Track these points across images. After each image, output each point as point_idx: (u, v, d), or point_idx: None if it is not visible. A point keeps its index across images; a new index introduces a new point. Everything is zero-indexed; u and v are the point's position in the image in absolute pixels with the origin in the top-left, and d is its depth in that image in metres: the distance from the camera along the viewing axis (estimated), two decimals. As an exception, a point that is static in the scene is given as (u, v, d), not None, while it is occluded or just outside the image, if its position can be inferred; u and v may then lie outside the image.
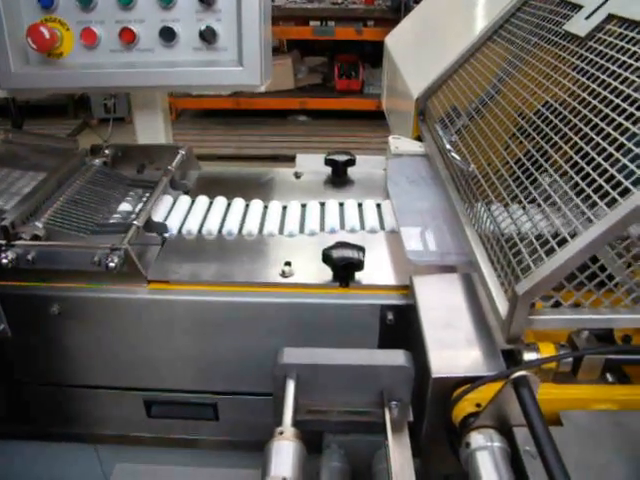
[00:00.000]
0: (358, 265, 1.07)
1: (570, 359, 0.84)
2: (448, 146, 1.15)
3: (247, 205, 1.34)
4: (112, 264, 1.05)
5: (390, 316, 1.05)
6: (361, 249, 1.07)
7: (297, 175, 1.49)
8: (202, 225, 1.26)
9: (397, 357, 0.88)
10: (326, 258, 1.07)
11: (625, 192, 0.77)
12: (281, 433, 0.78)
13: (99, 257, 1.07)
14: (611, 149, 0.84)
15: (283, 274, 1.10)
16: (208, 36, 1.34)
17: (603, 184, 0.82)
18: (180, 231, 1.25)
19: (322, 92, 5.35)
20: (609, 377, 0.93)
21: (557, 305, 0.82)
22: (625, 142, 0.83)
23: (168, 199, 1.35)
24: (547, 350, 0.84)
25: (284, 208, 1.33)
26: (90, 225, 1.19)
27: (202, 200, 1.35)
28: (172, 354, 1.15)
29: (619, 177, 0.80)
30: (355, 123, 5.03)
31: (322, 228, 1.25)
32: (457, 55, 1.54)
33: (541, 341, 0.87)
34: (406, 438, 0.87)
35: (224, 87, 1.42)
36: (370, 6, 5.13)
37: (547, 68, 1.15)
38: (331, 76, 5.43)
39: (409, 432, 0.93)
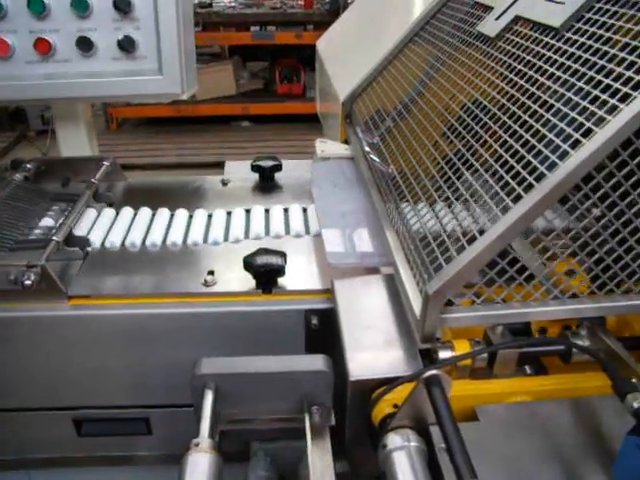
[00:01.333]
0: (279, 271, 1.07)
1: (485, 354, 0.85)
2: (367, 148, 1.16)
3: (172, 215, 1.32)
4: (28, 282, 1.02)
5: (315, 320, 1.05)
6: (282, 255, 1.07)
7: (224, 182, 1.47)
8: (125, 237, 1.24)
9: (316, 362, 0.88)
10: (247, 265, 1.06)
11: (528, 188, 0.79)
12: (197, 445, 0.77)
13: (15, 275, 1.04)
14: (517, 146, 0.86)
15: (206, 283, 1.09)
16: (127, 45, 1.32)
17: (510, 181, 0.83)
18: (103, 244, 1.23)
19: (264, 97, 5.34)
20: (527, 369, 0.95)
21: (478, 300, 0.83)
22: (529, 139, 0.85)
23: (91, 212, 1.33)
24: (462, 347, 0.85)
25: (209, 216, 1.31)
26: (8, 242, 1.16)
27: (126, 212, 1.33)
28: (99, 370, 1.13)
29: (524, 173, 0.82)
30: (298, 127, 5.03)
31: (247, 235, 1.24)
32: (381, 58, 1.55)
33: (461, 338, 0.89)
34: (327, 442, 0.87)
35: (145, 97, 1.40)
36: (309, 10, 5.14)
37: (463, 69, 1.17)
38: (273, 81, 5.43)
39: (335, 436, 0.93)
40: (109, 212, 1.33)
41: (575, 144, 0.77)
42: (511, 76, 1.00)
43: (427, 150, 1.06)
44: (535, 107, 0.89)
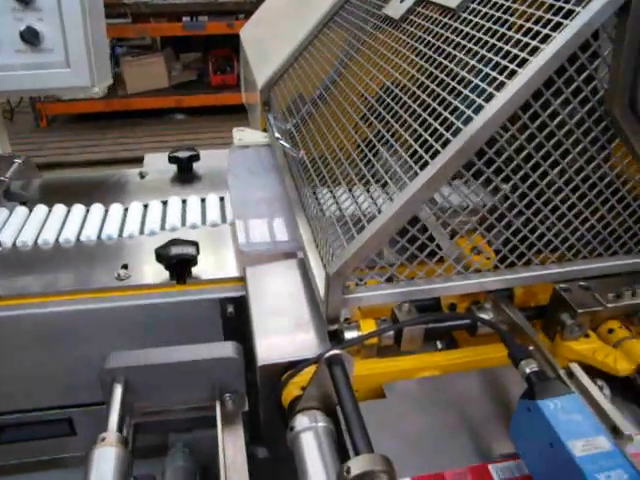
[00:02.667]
0: (192, 260, 1.06)
1: (391, 332, 0.86)
2: (277, 134, 1.16)
3: (88, 210, 1.29)
4: None
5: (230, 309, 1.05)
6: (195, 244, 1.06)
7: (142, 175, 1.46)
8: (38, 235, 1.21)
9: (225, 349, 0.88)
10: (159, 257, 1.05)
11: (424, 165, 0.80)
12: (103, 439, 0.76)
13: None
14: (403, 133, 0.87)
15: (119, 277, 1.08)
16: (30, 37, 1.28)
17: (408, 160, 0.84)
18: (15, 244, 1.19)
19: (198, 89, 5.26)
20: (439, 344, 0.97)
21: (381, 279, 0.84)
22: (437, 107, 0.86)
23: (2, 211, 1.29)
24: (368, 326, 0.86)
25: (125, 210, 1.30)
26: None
27: (40, 209, 1.30)
28: (14, 372, 1.10)
29: (421, 152, 0.83)
30: (233, 118, 4.97)
31: (163, 227, 1.23)
32: (297, 43, 1.55)
33: (371, 317, 0.90)
34: (240, 429, 0.87)
35: (54, 91, 1.37)
36: (239, -1, 5.09)
37: (372, 53, 1.17)
38: (206, 72, 5.36)
39: (252, 421, 0.94)
40: (21, 211, 1.30)
41: (478, 109, 0.78)
42: (413, 57, 1.01)
43: (345, 133, 1.07)
44: (433, 86, 0.90)
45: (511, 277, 0.89)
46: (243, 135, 1.47)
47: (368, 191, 1.00)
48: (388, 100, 0.98)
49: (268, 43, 1.92)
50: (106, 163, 4.25)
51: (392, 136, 0.92)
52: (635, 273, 0.96)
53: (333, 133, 1.08)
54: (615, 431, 0.67)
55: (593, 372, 0.86)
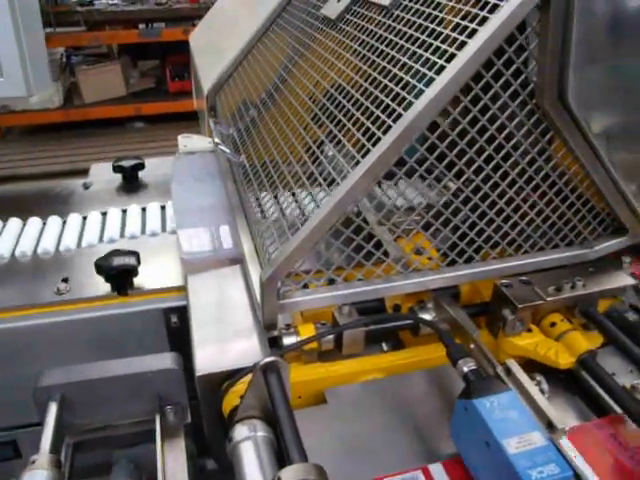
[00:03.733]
0: (132, 271, 1.03)
1: (331, 337, 0.85)
2: (217, 139, 1.14)
3: (24, 224, 1.26)
4: None
5: (174, 319, 1.03)
6: (134, 254, 1.04)
7: (86, 186, 1.42)
8: (-29, 252, 1.17)
9: (164, 360, 0.85)
10: (99, 268, 1.03)
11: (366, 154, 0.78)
12: (33, 462, 0.74)
13: None
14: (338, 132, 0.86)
15: (58, 292, 1.05)
16: (-39, 49, 1.24)
17: (352, 151, 0.83)
18: (-53, 262, 1.16)
19: (156, 96, 5.20)
20: (385, 347, 0.96)
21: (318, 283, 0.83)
22: (369, 106, 0.85)
23: None
24: (307, 331, 0.85)
25: (64, 223, 1.26)
26: None
27: (-24, 224, 1.26)
28: (-46, 395, 1.06)
29: (356, 155, 0.82)
30: (193, 124, 4.92)
31: (102, 239, 1.20)
32: (241, 48, 1.53)
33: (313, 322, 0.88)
34: (181, 441, 0.85)
35: (-11, 101, 1.33)
36: (194, 5, 5.05)
37: (312, 54, 1.16)
38: (164, 79, 5.31)
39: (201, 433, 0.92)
40: (-44, 226, 1.26)
41: (408, 106, 0.77)
42: (349, 57, 1.00)
43: (285, 137, 1.05)
44: (366, 85, 0.89)
45: (452, 275, 0.89)
46: (189, 142, 1.45)
47: (311, 194, 0.99)
48: (327, 104, 0.97)
49: (214, 48, 1.90)
50: (64, 174, 4.17)
51: (336, 135, 0.91)
52: (577, 265, 0.97)
53: (274, 137, 1.06)
54: (550, 426, 0.67)
55: (537, 366, 0.86)
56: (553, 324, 0.89)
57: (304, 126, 0.99)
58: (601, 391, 0.84)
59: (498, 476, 0.63)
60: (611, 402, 0.82)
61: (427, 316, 0.90)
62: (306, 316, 0.91)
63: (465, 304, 0.97)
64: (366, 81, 0.91)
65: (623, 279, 0.95)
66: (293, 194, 1.02)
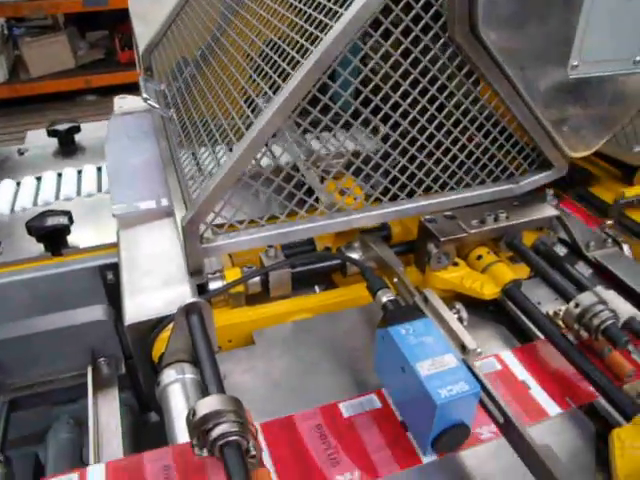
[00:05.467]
0: (64, 230, 1.03)
1: (258, 279, 0.86)
2: (145, 94, 1.12)
3: (-44, 191, 1.24)
4: None
5: (110, 275, 1.03)
6: (66, 213, 1.03)
7: (20, 152, 1.40)
8: None
9: (95, 312, 0.86)
10: (30, 230, 1.02)
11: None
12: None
13: None
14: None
15: (-10, 255, 1.04)
16: None
17: (268, 91, 0.82)
18: None
19: (107, 67, 5.09)
20: (317, 289, 0.97)
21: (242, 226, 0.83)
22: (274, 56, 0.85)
23: None
24: (233, 275, 0.85)
25: (-3, 188, 1.25)
26: None
27: None
28: None
29: (272, 95, 0.82)
30: (147, 94, 4.86)
31: (36, 203, 1.19)
32: (173, 5, 1.50)
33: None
34: (115, 392, 0.86)
35: None
36: (141, -29, 4.92)
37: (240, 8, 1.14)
38: (114, 50, 5.19)
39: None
40: None
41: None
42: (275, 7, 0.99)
43: (215, 93, 1.04)
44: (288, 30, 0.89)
45: (378, 213, 0.89)
46: (125, 102, 1.43)
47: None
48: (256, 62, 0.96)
49: (149, 9, 1.86)
50: (16, 151, 4.09)
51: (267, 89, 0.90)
52: (503, 201, 0.98)
53: (210, 92, 1.05)
54: (463, 348, 0.68)
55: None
56: (479, 257, 0.91)
57: (235, 82, 0.98)
58: (525, 319, 0.86)
59: (414, 400, 0.65)
60: (534, 328, 0.85)
61: (354, 255, 0.91)
62: (236, 262, 0.91)
63: (397, 243, 0.99)
64: (289, 27, 0.90)
65: (546, 211, 0.97)
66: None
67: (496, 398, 0.65)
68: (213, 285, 0.84)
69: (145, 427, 1.01)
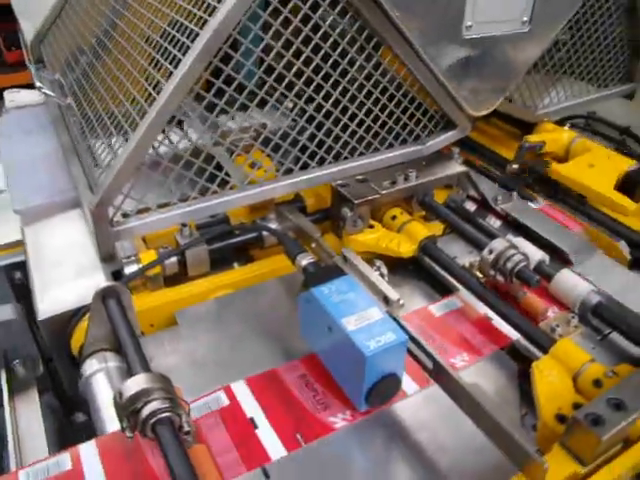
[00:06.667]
0: (-39, 231, 0.97)
1: (175, 260, 0.84)
2: (38, 83, 1.07)
3: None
4: None
5: (18, 274, 0.98)
6: (-38, 214, 0.97)
7: None
8: None
9: (4, 312, 0.81)
10: None
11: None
12: None
13: None
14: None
15: None
16: None
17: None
18: None
19: (-7, 70, 4.85)
20: (236, 265, 0.96)
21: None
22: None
23: None
24: (148, 258, 0.83)
25: None
26: None
27: None
28: None
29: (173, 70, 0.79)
30: (41, 96, 4.66)
31: None
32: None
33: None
34: (34, 394, 0.82)
35: None
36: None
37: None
38: None
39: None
40: None
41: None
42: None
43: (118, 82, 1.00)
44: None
45: (289, 182, 0.89)
46: (16, 96, 1.36)
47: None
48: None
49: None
50: None
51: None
52: (413, 162, 1.00)
53: (103, 80, 1.01)
54: (386, 301, 0.69)
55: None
56: (394, 217, 0.92)
57: (135, 63, 0.95)
58: (443, 272, 0.88)
59: (344, 357, 0.65)
60: (453, 280, 0.87)
61: (270, 226, 0.90)
62: (151, 246, 0.88)
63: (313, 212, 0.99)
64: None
65: (454, 168, 1.00)
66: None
67: (424, 345, 0.66)
68: (129, 269, 0.81)
69: (72, 428, 0.97)
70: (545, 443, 0.64)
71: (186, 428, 0.58)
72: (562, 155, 1.23)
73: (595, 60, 1.25)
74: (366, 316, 0.65)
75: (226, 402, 0.69)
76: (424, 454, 0.67)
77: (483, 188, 1.05)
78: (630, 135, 1.76)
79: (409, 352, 0.67)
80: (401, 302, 0.68)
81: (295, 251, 0.76)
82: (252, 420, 0.67)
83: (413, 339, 0.66)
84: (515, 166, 1.15)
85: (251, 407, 0.68)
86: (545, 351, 0.73)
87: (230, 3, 0.71)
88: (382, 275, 0.76)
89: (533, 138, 1.17)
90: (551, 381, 0.69)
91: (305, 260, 0.74)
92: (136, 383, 0.58)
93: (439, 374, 0.65)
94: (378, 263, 0.78)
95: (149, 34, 0.89)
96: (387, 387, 0.65)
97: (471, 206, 1.07)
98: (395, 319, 0.66)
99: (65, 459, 0.63)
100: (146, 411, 0.56)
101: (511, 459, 0.59)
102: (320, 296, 0.67)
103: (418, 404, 0.71)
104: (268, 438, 0.65)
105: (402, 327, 0.65)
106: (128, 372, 0.70)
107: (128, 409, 0.56)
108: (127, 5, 1.03)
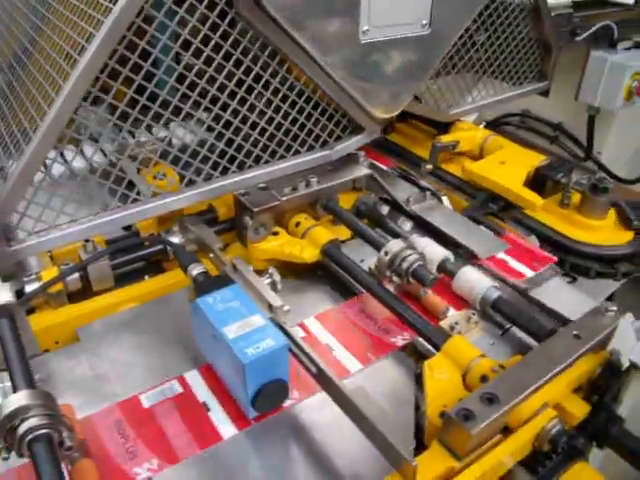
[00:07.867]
0: None
1: (77, 275, 0.84)
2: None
3: None
4: None
5: None
6: None
7: None
8: None
9: None
10: None
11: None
12: None
13: None
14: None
15: None
16: None
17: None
18: None
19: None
20: (147, 277, 0.96)
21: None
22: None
23: None
24: (50, 275, 0.83)
25: None
26: None
27: None
28: None
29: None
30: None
31: None
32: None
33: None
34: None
35: None
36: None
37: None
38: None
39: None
40: None
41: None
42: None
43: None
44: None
45: (192, 193, 0.90)
46: None
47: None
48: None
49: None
50: None
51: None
52: (319, 167, 1.01)
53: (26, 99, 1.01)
54: (270, 308, 0.71)
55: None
56: (298, 224, 0.94)
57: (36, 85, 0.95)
58: (347, 276, 0.90)
59: (228, 364, 0.67)
60: (355, 283, 0.89)
61: (175, 239, 0.91)
62: (58, 262, 0.89)
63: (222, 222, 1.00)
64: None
65: (358, 171, 1.02)
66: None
67: (307, 351, 0.68)
68: (29, 288, 0.81)
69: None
70: (431, 439, 0.66)
71: (67, 444, 0.59)
72: (477, 153, 1.26)
73: (507, 59, 1.28)
74: (248, 323, 0.66)
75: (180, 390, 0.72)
76: (317, 457, 0.68)
77: (393, 189, 1.07)
78: (562, 131, 1.82)
79: (295, 357, 0.69)
80: (285, 308, 0.70)
81: (187, 262, 0.77)
82: (205, 404, 0.70)
83: (297, 345, 0.68)
84: (429, 166, 1.18)
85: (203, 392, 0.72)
86: (439, 349, 0.75)
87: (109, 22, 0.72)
88: (274, 282, 0.77)
89: (446, 138, 1.20)
90: (440, 378, 0.71)
91: (195, 270, 0.76)
92: (15, 401, 0.58)
93: (322, 380, 0.67)
94: (271, 270, 0.79)
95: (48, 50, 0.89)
96: (273, 393, 0.66)
97: (384, 208, 1.09)
98: (279, 325, 0.68)
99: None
100: (23, 428, 0.56)
101: (388, 459, 0.61)
102: (204, 306, 0.68)
103: (312, 408, 0.72)
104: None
105: (286, 333, 0.67)
106: (12, 390, 0.71)
107: (5, 427, 0.57)
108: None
